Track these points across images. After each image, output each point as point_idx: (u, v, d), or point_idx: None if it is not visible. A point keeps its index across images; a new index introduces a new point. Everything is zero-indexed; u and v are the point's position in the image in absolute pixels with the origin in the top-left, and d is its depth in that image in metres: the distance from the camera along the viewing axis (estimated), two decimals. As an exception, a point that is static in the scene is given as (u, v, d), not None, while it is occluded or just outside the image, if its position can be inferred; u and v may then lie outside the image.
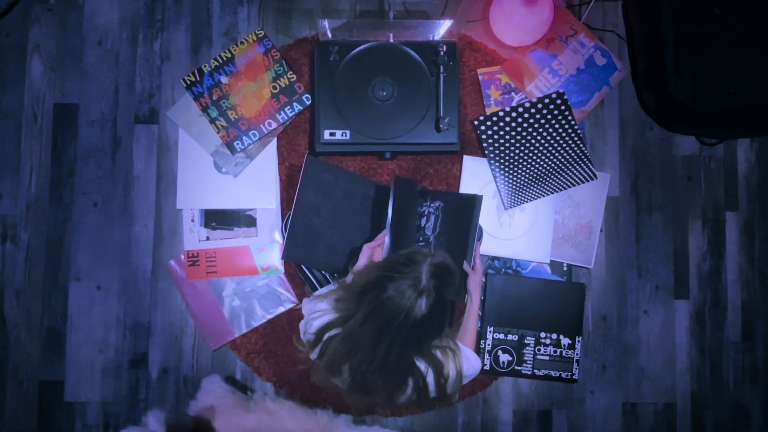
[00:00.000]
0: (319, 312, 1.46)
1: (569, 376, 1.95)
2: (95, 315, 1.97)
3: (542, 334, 1.95)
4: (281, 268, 1.94)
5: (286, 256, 1.82)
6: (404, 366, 1.37)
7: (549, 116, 1.94)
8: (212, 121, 1.96)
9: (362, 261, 1.69)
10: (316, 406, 1.93)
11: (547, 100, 1.93)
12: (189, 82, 1.96)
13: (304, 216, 1.81)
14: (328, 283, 1.82)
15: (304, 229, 1.81)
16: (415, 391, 1.41)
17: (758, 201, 2.08)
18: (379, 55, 1.91)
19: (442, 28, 1.92)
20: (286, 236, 1.80)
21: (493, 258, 1.97)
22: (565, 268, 1.99)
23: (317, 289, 1.75)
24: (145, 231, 1.99)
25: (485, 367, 1.93)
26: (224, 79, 1.96)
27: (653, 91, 1.97)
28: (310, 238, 1.82)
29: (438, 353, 1.43)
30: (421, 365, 1.40)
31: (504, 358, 1.94)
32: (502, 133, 1.95)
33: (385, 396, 1.42)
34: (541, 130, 1.95)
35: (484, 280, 1.94)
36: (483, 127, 1.94)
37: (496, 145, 1.95)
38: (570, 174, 1.97)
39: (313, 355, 1.45)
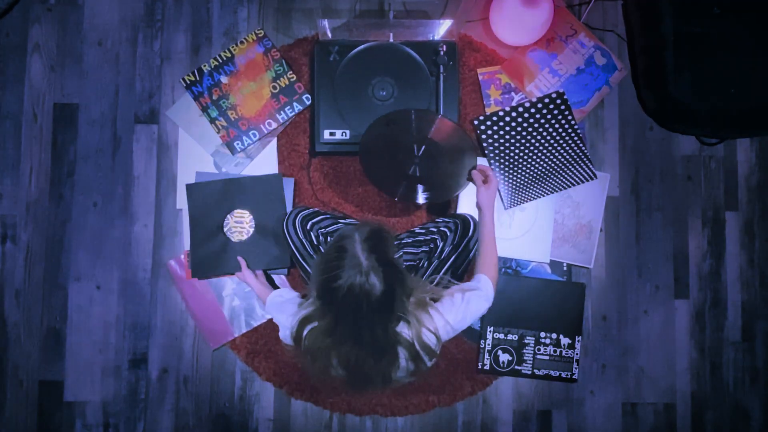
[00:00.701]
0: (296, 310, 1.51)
1: (569, 376, 1.95)
2: (95, 315, 1.97)
3: (542, 334, 1.95)
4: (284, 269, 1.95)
5: (195, 274, 1.90)
6: (391, 338, 1.38)
7: (549, 116, 1.94)
8: (212, 121, 1.96)
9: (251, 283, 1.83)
10: (316, 406, 1.94)
11: (546, 100, 1.93)
12: (189, 82, 1.96)
13: (201, 235, 1.91)
14: None
15: (204, 246, 1.90)
16: (410, 360, 1.42)
17: (758, 201, 2.08)
18: (379, 55, 1.91)
19: (442, 28, 1.92)
20: (189, 258, 1.91)
21: (493, 258, 1.98)
22: (565, 268, 1.99)
23: None
24: (145, 231, 1.99)
25: (485, 367, 1.93)
26: (224, 79, 1.96)
27: (653, 91, 1.97)
28: (213, 252, 1.90)
29: (416, 311, 1.42)
30: (405, 331, 1.41)
31: (504, 357, 1.94)
32: (502, 132, 1.95)
33: (382, 378, 1.42)
34: (541, 129, 1.95)
35: (500, 196, 1.89)
36: (483, 127, 1.94)
37: (496, 144, 1.95)
38: (570, 174, 1.97)
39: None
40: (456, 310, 1.49)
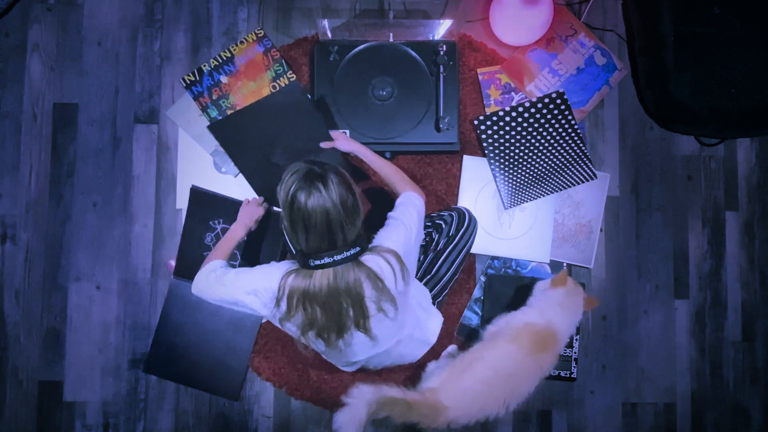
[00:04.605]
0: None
1: (568, 375, 1.95)
2: (95, 315, 1.97)
3: (542, 334, 1.95)
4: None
5: (146, 369, 1.92)
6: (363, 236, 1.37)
7: (549, 116, 1.94)
8: (212, 120, 1.95)
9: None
10: (316, 406, 1.94)
11: (547, 100, 1.93)
12: (188, 82, 1.96)
13: (167, 334, 1.91)
14: None
15: (167, 345, 1.90)
16: (377, 290, 1.37)
17: (758, 201, 2.08)
18: (379, 55, 1.91)
19: (442, 28, 1.92)
20: (148, 351, 1.91)
21: (493, 258, 1.97)
22: (565, 268, 1.99)
23: None
24: (145, 231, 1.99)
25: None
26: (224, 79, 1.96)
27: (653, 91, 1.97)
28: (172, 353, 1.90)
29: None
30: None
31: (504, 358, 1.94)
32: (502, 132, 1.95)
33: (360, 311, 1.40)
34: (541, 129, 1.95)
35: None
36: (483, 127, 1.94)
37: (496, 144, 1.95)
38: (570, 174, 1.97)
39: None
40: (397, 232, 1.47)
